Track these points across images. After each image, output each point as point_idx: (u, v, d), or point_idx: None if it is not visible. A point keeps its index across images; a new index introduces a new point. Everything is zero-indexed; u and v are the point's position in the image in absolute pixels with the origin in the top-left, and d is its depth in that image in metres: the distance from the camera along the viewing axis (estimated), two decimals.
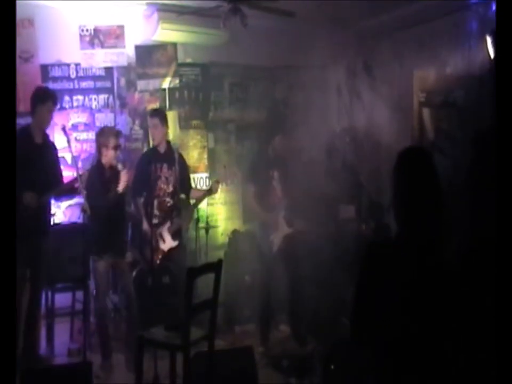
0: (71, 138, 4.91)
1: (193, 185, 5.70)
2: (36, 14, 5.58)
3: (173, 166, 5.16)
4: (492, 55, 4.46)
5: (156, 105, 6.15)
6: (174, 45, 6.20)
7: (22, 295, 4.36)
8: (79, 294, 5.00)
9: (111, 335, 4.74)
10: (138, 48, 6.08)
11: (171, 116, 5.94)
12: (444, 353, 2.08)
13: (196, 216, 5.68)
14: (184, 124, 6.43)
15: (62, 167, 4.85)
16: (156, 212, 5.09)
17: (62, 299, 5.14)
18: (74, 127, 5.92)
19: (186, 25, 5.87)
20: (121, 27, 5.98)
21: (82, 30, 5.86)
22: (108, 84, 6.06)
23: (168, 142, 5.27)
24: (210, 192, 5.22)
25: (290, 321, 5.32)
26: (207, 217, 5.88)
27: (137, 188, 5.00)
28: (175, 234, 5.15)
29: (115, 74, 6.09)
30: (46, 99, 4.52)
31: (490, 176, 2.36)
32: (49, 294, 5.01)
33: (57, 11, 5.70)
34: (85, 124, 5.97)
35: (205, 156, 6.56)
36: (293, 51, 6.12)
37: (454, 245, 2.31)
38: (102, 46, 5.91)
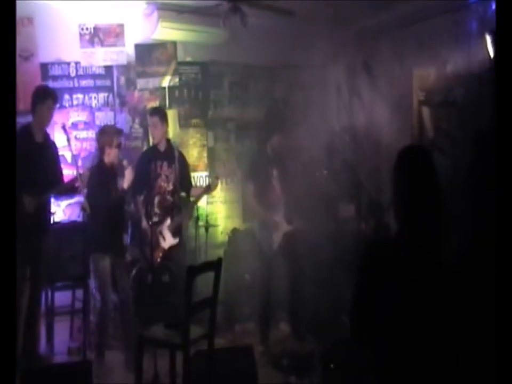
0: (71, 137, 4.90)
1: (193, 183, 5.71)
2: (35, 12, 5.58)
3: (173, 164, 5.17)
4: (492, 54, 4.46)
5: (155, 103, 6.15)
6: (174, 43, 6.19)
7: (22, 293, 4.37)
8: (79, 293, 5.00)
9: (110, 335, 4.74)
10: (138, 46, 6.08)
11: (171, 114, 5.93)
12: (444, 353, 2.08)
13: (195, 214, 5.68)
14: (183, 123, 6.42)
15: (62, 165, 4.85)
16: (156, 209, 5.12)
17: (62, 298, 5.14)
18: (74, 125, 5.92)
19: (186, 24, 5.87)
20: (121, 26, 5.97)
21: (82, 29, 5.86)
22: (107, 83, 6.06)
23: (168, 140, 5.28)
24: (209, 188, 5.23)
25: (290, 320, 5.31)
26: (207, 216, 5.87)
27: (137, 186, 4.99)
28: (176, 232, 5.17)
29: (115, 73, 6.09)
30: (46, 98, 4.52)
31: (490, 176, 2.36)
32: (49, 292, 5.01)
33: (57, 10, 5.69)
34: (85, 123, 5.98)
35: (205, 154, 6.56)
36: (293, 50, 6.11)
37: (454, 245, 2.31)
38: (102, 44, 5.91)
